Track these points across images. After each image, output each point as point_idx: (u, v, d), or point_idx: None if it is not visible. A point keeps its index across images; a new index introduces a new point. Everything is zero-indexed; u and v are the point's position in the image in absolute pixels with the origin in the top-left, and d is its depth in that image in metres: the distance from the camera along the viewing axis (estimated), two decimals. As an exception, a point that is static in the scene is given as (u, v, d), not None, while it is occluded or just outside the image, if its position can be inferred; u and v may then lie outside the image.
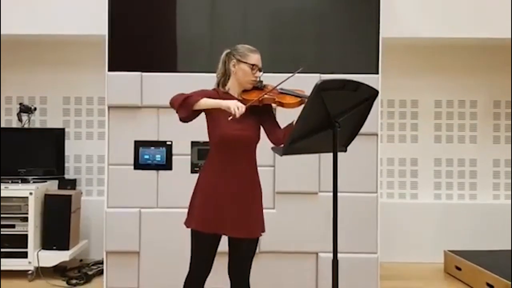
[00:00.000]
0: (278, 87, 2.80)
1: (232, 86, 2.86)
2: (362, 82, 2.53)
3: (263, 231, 2.91)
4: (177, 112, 2.79)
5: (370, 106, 2.62)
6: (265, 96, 2.76)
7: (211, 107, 2.73)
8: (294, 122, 2.64)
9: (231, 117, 2.64)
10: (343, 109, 2.52)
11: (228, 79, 2.87)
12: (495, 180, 5.46)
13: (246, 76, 2.82)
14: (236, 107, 2.64)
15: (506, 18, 4.61)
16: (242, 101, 2.76)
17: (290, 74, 2.74)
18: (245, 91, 2.85)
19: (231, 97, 2.80)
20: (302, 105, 2.67)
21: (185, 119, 2.79)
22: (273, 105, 2.85)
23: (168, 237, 3.99)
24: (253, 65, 2.82)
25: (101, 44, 4.19)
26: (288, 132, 2.69)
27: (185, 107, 2.74)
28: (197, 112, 2.79)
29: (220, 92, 2.86)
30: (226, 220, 2.76)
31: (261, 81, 2.87)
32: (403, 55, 5.30)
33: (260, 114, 2.84)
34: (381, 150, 4.23)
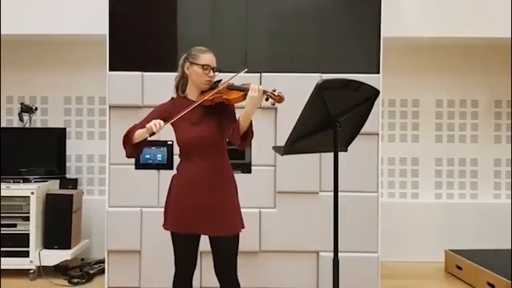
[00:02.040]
0: (227, 84, 2.81)
1: (190, 89, 2.90)
2: (363, 81, 2.54)
3: (243, 227, 2.92)
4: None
5: (371, 106, 2.63)
6: (215, 95, 2.78)
7: (142, 138, 2.79)
8: (240, 118, 2.69)
9: (148, 136, 2.73)
10: (344, 108, 2.53)
11: (187, 82, 2.90)
12: (496, 180, 5.46)
13: (200, 78, 2.85)
14: (154, 125, 2.67)
15: (507, 17, 4.61)
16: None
17: (234, 74, 2.78)
18: (203, 92, 2.86)
19: (188, 101, 2.84)
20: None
21: (132, 155, 2.93)
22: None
23: (169, 236, 3.96)
24: (204, 65, 2.83)
25: (102, 43, 4.19)
26: (236, 127, 2.72)
27: (127, 147, 2.87)
28: (141, 144, 2.86)
29: (176, 101, 2.91)
30: (201, 219, 2.81)
31: (219, 80, 2.89)
32: (404, 54, 5.29)
33: (219, 113, 2.85)
34: (382, 150, 4.22)
